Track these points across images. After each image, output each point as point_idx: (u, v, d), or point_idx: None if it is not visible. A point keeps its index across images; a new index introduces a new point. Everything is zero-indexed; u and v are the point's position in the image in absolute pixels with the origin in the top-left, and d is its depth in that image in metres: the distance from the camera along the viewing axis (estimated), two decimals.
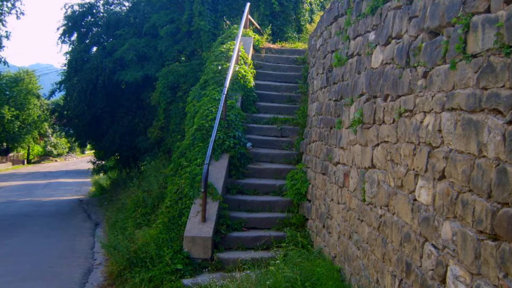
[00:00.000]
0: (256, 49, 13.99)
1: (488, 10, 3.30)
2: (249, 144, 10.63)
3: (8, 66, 23.70)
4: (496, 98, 3.13)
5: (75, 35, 24.46)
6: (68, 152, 73.13)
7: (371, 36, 5.96)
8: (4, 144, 56.87)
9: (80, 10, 23.81)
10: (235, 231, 8.96)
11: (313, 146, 9.27)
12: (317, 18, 15.15)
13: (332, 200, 7.54)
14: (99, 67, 21.16)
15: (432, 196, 4.06)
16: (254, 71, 12.70)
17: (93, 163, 28.85)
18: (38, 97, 55.66)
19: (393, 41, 5.20)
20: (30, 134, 57.51)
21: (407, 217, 4.58)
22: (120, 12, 24.33)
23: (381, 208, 5.35)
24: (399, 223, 4.77)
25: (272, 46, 14.54)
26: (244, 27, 13.90)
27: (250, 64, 12.81)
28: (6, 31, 27.51)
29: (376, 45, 5.75)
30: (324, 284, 6.40)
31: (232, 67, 11.36)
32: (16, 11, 22.52)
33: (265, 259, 7.80)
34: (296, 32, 18.93)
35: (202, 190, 8.64)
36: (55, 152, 68.76)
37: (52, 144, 68.01)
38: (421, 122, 4.31)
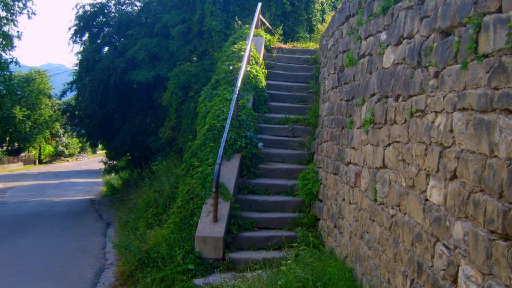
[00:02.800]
0: (268, 49, 13.99)
1: (499, 10, 3.30)
2: (260, 144, 10.62)
3: (19, 66, 23.85)
4: (507, 98, 3.13)
5: (87, 35, 24.61)
6: (79, 152, 73.58)
7: (383, 36, 5.95)
8: (16, 144, 57.43)
9: (92, 10, 23.94)
10: (247, 231, 8.96)
11: (324, 146, 9.27)
12: (328, 18, 15.15)
13: (344, 200, 7.54)
14: (110, 67, 21.27)
15: (443, 196, 4.05)
16: (266, 71, 12.70)
17: (105, 163, 28.99)
18: (49, 97, 56.15)
19: (405, 41, 5.19)
20: (42, 134, 58.01)
21: (418, 217, 4.58)
22: (131, 12, 24.43)
23: (392, 208, 5.34)
24: (410, 223, 4.77)
25: (283, 46, 14.53)
26: (255, 27, 13.90)
27: (262, 64, 12.81)
28: (18, 31, 27.75)
29: (387, 45, 5.75)
30: (335, 284, 6.40)
31: (243, 67, 11.39)
32: (28, 11, 22.60)
33: (277, 259, 7.80)
34: (307, 32, 18.93)
35: (214, 190, 8.64)
36: (66, 152, 69.20)
37: (64, 144, 68.46)
38: (433, 122, 4.30)
